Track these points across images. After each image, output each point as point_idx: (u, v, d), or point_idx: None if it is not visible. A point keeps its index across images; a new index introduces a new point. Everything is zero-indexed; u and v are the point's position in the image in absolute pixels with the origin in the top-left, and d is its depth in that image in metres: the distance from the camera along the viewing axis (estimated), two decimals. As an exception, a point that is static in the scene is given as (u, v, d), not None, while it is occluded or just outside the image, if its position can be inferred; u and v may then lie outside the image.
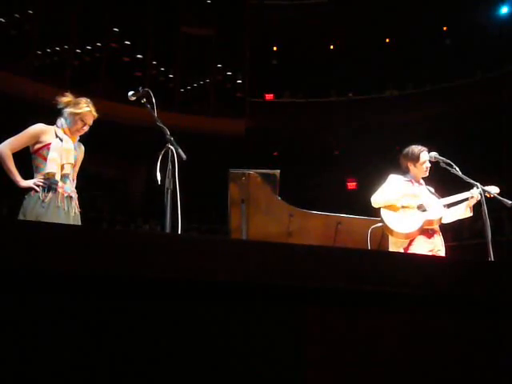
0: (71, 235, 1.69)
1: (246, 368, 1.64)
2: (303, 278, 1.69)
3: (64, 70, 15.78)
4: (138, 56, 17.01)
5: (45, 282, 1.57)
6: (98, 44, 16.61)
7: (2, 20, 15.07)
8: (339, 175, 18.26)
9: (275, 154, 18.34)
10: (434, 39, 17.88)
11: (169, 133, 3.72)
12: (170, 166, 3.58)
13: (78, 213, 4.17)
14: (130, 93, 4.00)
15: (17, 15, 15.31)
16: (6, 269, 1.54)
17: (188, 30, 17.67)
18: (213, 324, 1.65)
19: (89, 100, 4.33)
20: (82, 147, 4.39)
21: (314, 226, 5.42)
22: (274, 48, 19.46)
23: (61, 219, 3.97)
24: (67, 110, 4.19)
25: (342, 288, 1.72)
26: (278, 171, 5.25)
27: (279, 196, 5.28)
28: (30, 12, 15.59)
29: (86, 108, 4.24)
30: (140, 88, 4.01)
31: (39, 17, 15.71)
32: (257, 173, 5.11)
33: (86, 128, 4.29)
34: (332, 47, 19.28)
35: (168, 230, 3.47)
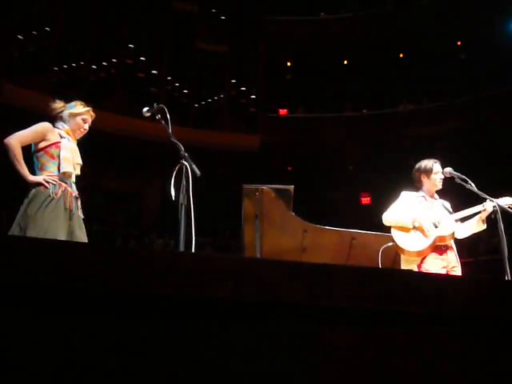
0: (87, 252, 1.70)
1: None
2: (316, 297, 1.69)
3: (80, 86, 15.92)
4: (153, 72, 17.13)
5: (65, 300, 1.58)
6: (114, 60, 16.76)
7: (20, 37, 15.27)
8: (353, 190, 18.20)
9: (289, 169, 18.34)
10: (449, 53, 17.85)
11: (183, 149, 3.74)
12: (184, 182, 3.59)
13: (81, 216, 4.14)
14: (145, 109, 4.03)
15: (34, 32, 15.51)
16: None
17: (202, 46, 17.79)
18: (225, 343, 1.65)
19: (82, 102, 4.36)
20: None
21: (328, 242, 5.40)
22: (288, 63, 19.52)
23: (67, 219, 3.95)
24: (66, 113, 4.22)
25: (356, 307, 1.71)
26: (292, 187, 5.24)
27: (293, 211, 5.27)
28: (48, 29, 15.78)
29: (84, 108, 4.28)
30: (155, 104, 4.04)
31: (56, 34, 15.90)
32: (271, 188, 5.11)
33: (87, 127, 4.32)
34: (346, 62, 19.30)
35: (182, 245, 3.48)
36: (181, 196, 3.57)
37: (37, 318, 1.56)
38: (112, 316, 1.60)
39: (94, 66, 16.45)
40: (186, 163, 3.65)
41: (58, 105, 4.26)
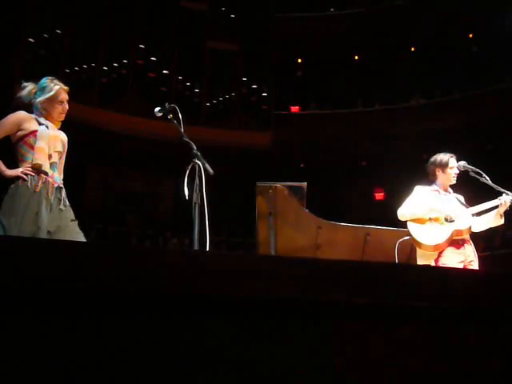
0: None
1: (274, 380, 1.64)
2: (330, 293, 1.69)
3: (92, 88, 16.02)
4: (164, 71, 17.17)
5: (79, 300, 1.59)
6: (125, 61, 16.82)
7: (32, 40, 15.38)
8: (366, 186, 18.14)
9: (302, 165, 18.31)
10: (460, 46, 17.73)
11: (195, 148, 3.75)
12: (197, 181, 3.60)
13: (68, 205, 3.89)
14: (157, 109, 4.03)
15: (45, 35, 15.60)
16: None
17: (213, 45, 17.80)
18: (239, 337, 1.65)
19: (51, 77, 4.08)
20: (65, 137, 4.09)
21: (343, 238, 5.40)
22: (299, 60, 19.48)
23: (49, 212, 3.75)
24: (39, 100, 3.94)
25: (369, 302, 1.70)
26: (305, 183, 5.24)
27: (306, 208, 5.27)
28: (58, 32, 15.88)
29: (55, 87, 4.00)
30: (166, 104, 4.04)
31: (67, 36, 15.99)
32: (284, 185, 5.11)
33: (66, 106, 4.05)
34: (357, 58, 19.23)
35: (196, 244, 3.49)
36: (194, 195, 3.58)
37: (37, 319, 1.56)
38: (117, 316, 1.61)
39: (105, 68, 16.52)
40: (198, 162, 3.66)
41: (27, 90, 3.99)
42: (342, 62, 18.71)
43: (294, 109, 18.56)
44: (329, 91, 18.39)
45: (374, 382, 1.67)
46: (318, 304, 1.67)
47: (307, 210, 5.25)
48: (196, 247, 3.48)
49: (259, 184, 5.09)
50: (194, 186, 3.60)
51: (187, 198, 3.56)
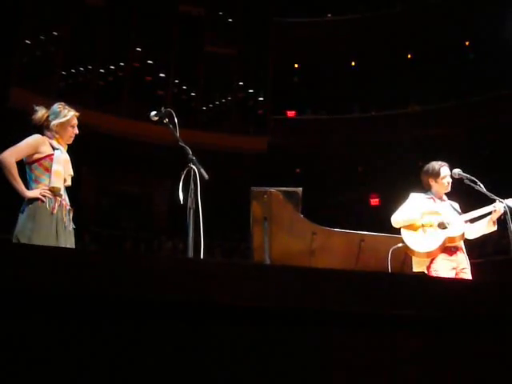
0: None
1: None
2: (328, 303, 1.68)
3: (88, 90, 16.01)
4: (161, 75, 17.17)
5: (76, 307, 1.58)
6: (121, 64, 16.82)
7: (28, 42, 15.37)
8: (362, 192, 18.17)
9: (297, 171, 18.32)
10: (457, 53, 17.79)
11: (191, 152, 3.74)
12: (192, 186, 3.59)
13: (72, 228, 4.08)
14: (153, 113, 4.02)
15: (42, 37, 15.60)
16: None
17: (210, 49, 17.82)
18: (238, 348, 1.64)
19: (63, 103, 4.26)
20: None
21: (337, 244, 5.38)
22: (296, 65, 19.52)
23: (64, 232, 3.95)
24: (54, 123, 4.12)
25: (367, 312, 1.70)
26: (300, 189, 5.22)
27: (302, 214, 5.26)
28: (55, 34, 15.87)
29: (70, 113, 4.18)
30: (162, 108, 4.04)
31: (64, 38, 15.98)
32: (279, 191, 5.09)
33: (76, 131, 4.23)
34: (353, 63, 19.28)
35: (190, 248, 3.48)
36: (189, 200, 3.57)
37: (40, 326, 1.56)
38: (115, 321, 1.60)
39: (101, 70, 16.51)
40: (193, 167, 3.65)
41: (40, 113, 4.18)
42: (339, 68, 18.75)
43: (291, 114, 18.58)
44: (325, 96, 18.43)
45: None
46: (307, 312, 1.67)
47: (302, 216, 5.23)
48: (190, 252, 3.47)
49: (254, 189, 5.07)
50: (189, 190, 3.59)
51: (182, 202, 3.56)
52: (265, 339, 1.65)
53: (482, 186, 4.60)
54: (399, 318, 1.73)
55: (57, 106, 4.21)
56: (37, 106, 4.22)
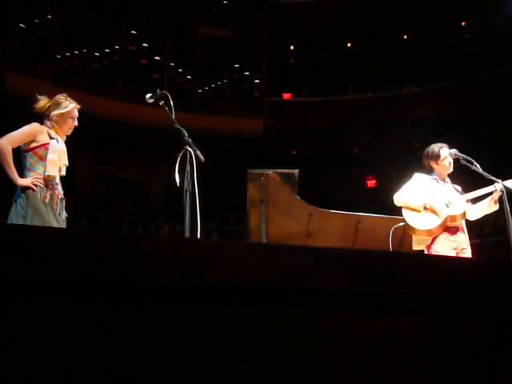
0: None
1: (266, 368, 1.64)
2: (321, 281, 1.69)
3: (83, 74, 15.91)
4: (156, 58, 17.07)
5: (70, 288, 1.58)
6: (116, 47, 16.71)
7: (22, 25, 15.23)
8: (358, 173, 18.17)
9: (294, 152, 18.30)
10: (453, 34, 17.69)
11: (187, 134, 3.73)
12: (188, 168, 3.59)
13: (65, 216, 4.13)
14: (148, 95, 4.01)
15: (36, 20, 15.46)
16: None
17: (205, 31, 17.70)
18: (232, 326, 1.65)
19: (65, 94, 4.31)
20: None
21: (334, 225, 5.39)
22: (291, 47, 19.41)
23: (56, 221, 3.99)
24: (54, 113, 4.17)
25: (359, 290, 1.71)
26: (297, 171, 5.22)
27: (298, 195, 5.26)
28: (49, 17, 15.73)
29: (71, 105, 4.24)
30: (158, 90, 4.02)
31: (58, 22, 15.85)
32: (275, 173, 5.09)
33: (76, 123, 4.28)
34: (349, 45, 19.17)
35: (187, 231, 3.48)
36: (185, 182, 3.57)
37: (34, 309, 1.56)
38: (111, 304, 1.61)
39: (96, 54, 16.40)
40: (189, 149, 3.65)
41: (42, 104, 4.22)
42: (335, 49, 18.65)
43: (287, 96, 18.51)
44: (321, 78, 18.34)
45: (362, 368, 1.68)
46: (306, 291, 1.68)
47: (299, 197, 5.24)
48: (187, 234, 3.47)
49: (251, 171, 5.07)
50: (186, 172, 3.58)
51: (178, 184, 3.56)
52: (261, 319, 1.66)
53: (478, 166, 4.61)
54: (399, 297, 1.74)
55: (58, 97, 4.25)
56: (39, 95, 4.25)
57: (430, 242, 4.55)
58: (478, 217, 4.77)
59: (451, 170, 4.82)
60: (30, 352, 1.52)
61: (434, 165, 4.81)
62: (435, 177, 4.81)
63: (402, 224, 4.87)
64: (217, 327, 1.64)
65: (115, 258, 1.63)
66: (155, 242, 1.79)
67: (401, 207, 4.71)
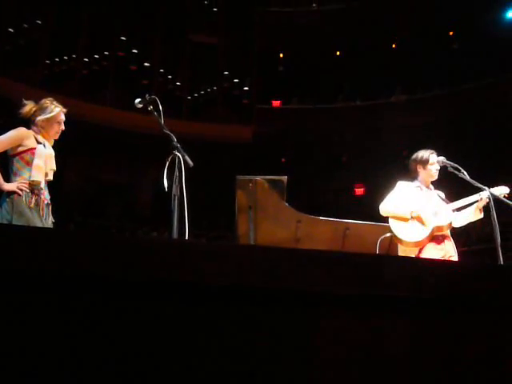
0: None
1: (260, 367, 1.65)
2: (315, 284, 1.70)
3: (72, 79, 15.87)
4: (146, 64, 17.07)
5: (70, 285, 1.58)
6: (106, 53, 16.69)
7: (11, 30, 15.18)
8: (347, 181, 18.22)
9: (283, 160, 18.33)
10: (442, 43, 17.83)
11: (175, 139, 3.73)
12: (176, 173, 3.59)
13: (51, 222, 4.10)
14: (137, 100, 4.00)
15: (25, 25, 15.42)
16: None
17: (194, 38, 17.73)
18: (228, 326, 1.65)
19: (51, 99, 4.28)
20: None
21: (322, 232, 5.40)
22: (281, 55, 19.47)
23: (42, 226, 3.95)
24: (39, 119, 4.14)
25: (353, 292, 1.72)
26: (285, 177, 5.23)
27: (287, 202, 5.27)
28: (39, 22, 15.69)
29: (56, 109, 4.20)
30: (147, 95, 4.02)
31: (48, 27, 15.82)
32: (264, 179, 5.10)
33: (63, 127, 4.25)
34: (338, 53, 19.26)
35: (175, 236, 3.47)
36: (174, 187, 3.57)
37: (30, 306, 1.56)
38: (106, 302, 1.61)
39: (85, 59, 16.37)
40: (178, 154, 3.65)
41: (28, 108, 4.18)
42: (324, 57, 18.72)
43: (276, 103, 18.55)
44: (311, 86, 18.41)
45: (352, 369, 1.69)
46: (298, 294, 1.69)
47: (287, 204, 5.25)
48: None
49: (239, 177, 5.07)
50: (174, 177, 3.58)
51: (166, 189, 3.56)
52: (250, 319, 1.67)
53: (465, 173, 4.64)
54: (387, 300, 1.75)
55: (43, 102, 4.21)
56: (25, 100, 4.21)
57: (417, 252, 4.57)
58: (463, 224, 4.81)
59: (436, 177, 4.84)
60: (29, 352, 1.52)
61: (420, 169, 4.82)
62: (418, 184, 4.82)
63: (388, 235, 4.87)
64: (205, 327, 1.65)
65: (113, 256, 1.63)
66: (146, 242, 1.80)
67: (387, 217, 4.72)
